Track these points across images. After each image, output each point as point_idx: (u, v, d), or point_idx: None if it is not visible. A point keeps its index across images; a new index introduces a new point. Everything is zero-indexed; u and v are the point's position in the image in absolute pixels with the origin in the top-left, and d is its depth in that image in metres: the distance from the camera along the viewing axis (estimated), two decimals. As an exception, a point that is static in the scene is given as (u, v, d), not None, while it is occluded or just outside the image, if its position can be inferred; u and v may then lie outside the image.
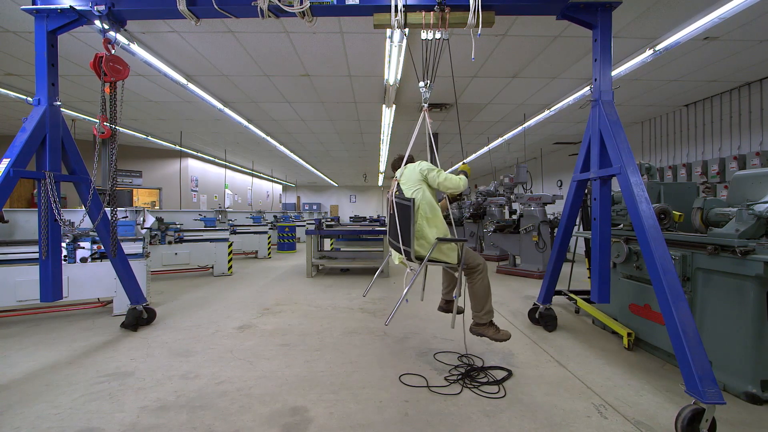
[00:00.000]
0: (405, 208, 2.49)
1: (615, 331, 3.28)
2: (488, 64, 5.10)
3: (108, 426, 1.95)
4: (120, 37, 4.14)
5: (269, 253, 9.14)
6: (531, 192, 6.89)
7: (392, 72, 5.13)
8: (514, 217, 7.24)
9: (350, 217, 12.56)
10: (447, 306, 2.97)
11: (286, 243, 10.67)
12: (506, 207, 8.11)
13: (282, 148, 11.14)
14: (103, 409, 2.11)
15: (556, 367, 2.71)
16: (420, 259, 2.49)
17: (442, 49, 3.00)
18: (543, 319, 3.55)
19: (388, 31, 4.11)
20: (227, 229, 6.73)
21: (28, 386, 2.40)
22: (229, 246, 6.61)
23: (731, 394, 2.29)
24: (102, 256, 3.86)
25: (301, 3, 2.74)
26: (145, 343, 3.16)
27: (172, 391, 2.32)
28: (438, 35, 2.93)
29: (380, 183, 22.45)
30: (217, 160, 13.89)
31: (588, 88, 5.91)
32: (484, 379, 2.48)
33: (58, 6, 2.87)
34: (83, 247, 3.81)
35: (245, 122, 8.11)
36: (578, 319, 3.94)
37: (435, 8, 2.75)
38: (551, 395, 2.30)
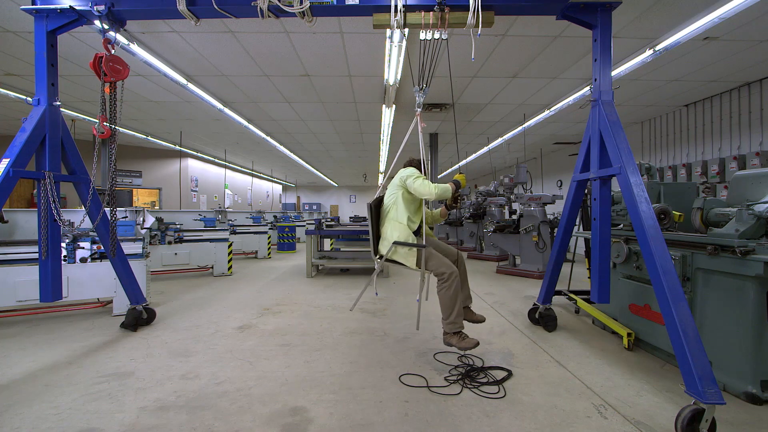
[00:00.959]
0: (373, 209, 2.81)
1: (615, 331, 3.28)
2: (488, 64, 5.11)
3: (108, 426, 1.95)
4: (120, 37, 4.14)
5: (269, 253, 9.14)
6: (531, 192, 6.89)
7: (392, 72, 5.14)
8: (514, 217, 7.24)
9: (350, 217, 12.57)
10: (465, 315, 2.78)
11: (286, 243, 10.67)
12: (506, 207, 8.11)
13: (282, 148, 11.14)
14: (103, 410, 2.11)
15: (556, 368, 2.71)
16: (381, 256, 2.74)
17: (440, 50, 3.00)
18: (543, 319, 3.54)
19: (388, 31, 4.12)
20: (227, 229, 6.73)
21: (28, 386, 2.39)
22: (229, 246, 6.61)
23: (731, 394, 2.29)
24: (102, 256, 3.85)
25: (301, 3, 2.74)
26: (145, 344, 3.16)
27: (172, 392, 2.31)
28: (437, 35, 2.93)
29: (380, 183, 22.43)
30: (216, 160, 13.89)
31: (588, 88, 5.91)
32: (484, 380, 2.48)
33: (58, 6, 2.87)
34: (83, 247, 3.80)
35: (245, 122, 8.12)
36: (578, 319, 3.94)
37: (435, 8, 2.75)
38: (551, 395, 2.30)
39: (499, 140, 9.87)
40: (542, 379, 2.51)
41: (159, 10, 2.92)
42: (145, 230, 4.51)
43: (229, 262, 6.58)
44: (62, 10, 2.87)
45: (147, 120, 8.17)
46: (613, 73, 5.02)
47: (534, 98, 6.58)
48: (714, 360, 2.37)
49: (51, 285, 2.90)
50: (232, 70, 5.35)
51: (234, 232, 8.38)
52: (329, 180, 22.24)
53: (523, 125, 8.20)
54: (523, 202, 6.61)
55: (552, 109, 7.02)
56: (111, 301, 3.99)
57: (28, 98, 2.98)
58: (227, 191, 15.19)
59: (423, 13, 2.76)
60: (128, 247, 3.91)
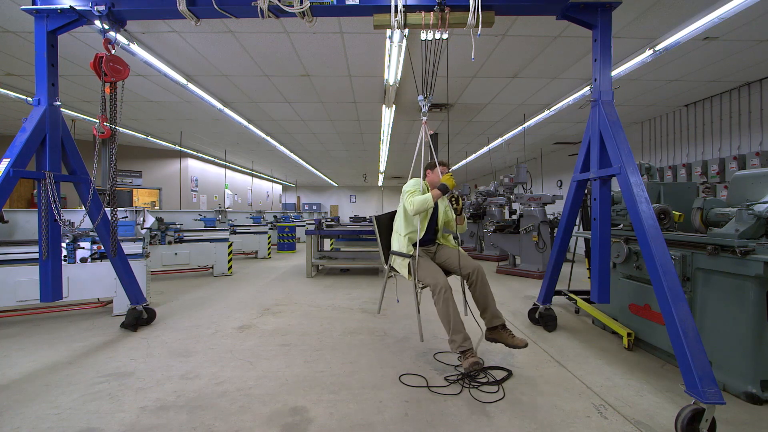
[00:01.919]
0: (382, 222, 2.96)
1: (615, 331, 3.28)
2: (488, 64, 5.11)
3: (108, 426, 1.95)
4: (120, 38, 4.14)
5: (269, 253, 9.14)
6: (531, 192, 6.89)
7: (392, 72, 5.14)
8: (514, 217, 7.24)
9: (350, 217, 12.55)
10: (491, 334, 2.61)
11: (286, 243, 10.66)
12: (506, 207, 8.12)
13: (282, 148, 11.14)
14: (103, 409, 2.11)
15: (556, 368, 2.71)
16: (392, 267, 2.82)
17: (440, 54, 3.00)
18: (543, 319, 3.55)
19: (388, 32, 4.12)
20: (227, 230, 6.73)
21: (28, 386, 2.40)
22: (229, 246, 6.61)
23: (731, 394, 2.29)
24: (102, 256, 3.85)
25: (301, 3, 2.74)
26: (145, 344, 3.16)
27: (172, 391, 2.32)
28: (438, 35, 2.93)
29: (380, 183, 22.44)
30: (217, 161, 13.89)
31: (588, 88, 5.92)
32: (484, 380, 2.48)
33: (58, 6, 2.87)
34: (83, 247, 3.81)
35: (245, 122, 8.12)
36: (578, 319, 3.94)
37: (435, 8, 2.75)
38: (551, 395, 2.30)
39: (499, 140, 9.86)
40: (542, 379, 2.51)
41: (159, 10, 2.92)
42: (145, 230, 4.51)
43: (229, 262, 6.58)
44: (62, 10, 2.87)
45: (147, 120, 8.17)
46: (613, 73, 5.02)
47: (534, 98, 6.58)
48: (714, 360, 2.37)
49: (51, 285, 2.90)
50: (232, 70, 5.35)
51: (234, 232, 8.38)
52: (329, 180, 22.24)
53: (523, 125, 8.20)
54: (523, 202, 6.61)
55: (552, 109, 7.01)
56: (111, 301, 3.99)
57: (29, 98, 2.98)
58: (227, 191, 15.19)
59: (423, 13, 2.76)
60: (128, 247, 3.91)
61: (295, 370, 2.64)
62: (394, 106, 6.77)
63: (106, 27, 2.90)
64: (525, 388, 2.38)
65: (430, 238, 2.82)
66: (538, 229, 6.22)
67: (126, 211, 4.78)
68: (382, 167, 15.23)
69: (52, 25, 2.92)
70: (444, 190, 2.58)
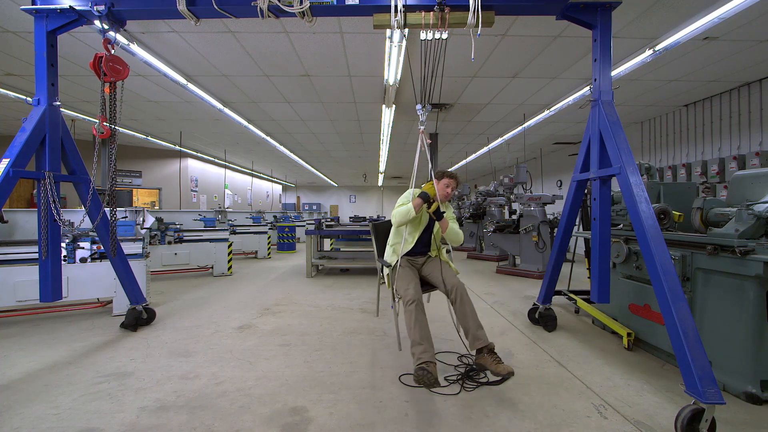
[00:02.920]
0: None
1: (615, 331, 3.28)
2: (488, 64, 5.11)
3: (108, 426, 1.95)
4: (120, 37, 4.14)
5: (269, 254, 9.14)
6: (531, 192, 6.89)
7: (392, 72, 5.14)
8: (514, 217, 7.24)
9: (350, 217, 12.55)
10: (476, 359, 2.33)
11: (285, 243, 10.66)
12: (506, 207, 8.12)
13: (282, 148, 11.14)
14: (103, 410, 2.11)
15: (556, 367, 2.71)
16: None
17: (440, 56, 2.99)
18: (543, 319, 3.55)
19: (388, 32, 4.12)
20: (227, 230, 6.73)
21: (28, 386, 2.39)
22: (229, 246, 6.61)
23: (731, 394, 2.29)
24: (102, 256, 3.85)
25: (301, 3, 2.74)
26: (145, 344, 3.16)
27: (172, 392, 2.31)
28: (438, 35, 2.93)
29: (380, 183, 22.44)
30: (216, 161, 13.89)
31: (588, 88, 5.92)
32: (484, 380, 2.48)
33: (58, 6, 2.87)
34: (83, 247, 3.81)
35: (245, 122, 8.12)
36: (578, 319, 3.94)
37: (435, 8, 2.75)
38: (551, 395, 2.30)
39: (499, 140, 9.87)
40: (542, 379, 2.51)
41: (159, 10, 2.92)
42: (145, 230, 4.50)
43: (229, 262, 6.58)
44: (62, 10, 2.87)
45: (147, 120, 8.17)
46: (613, 73, 5.02)
47: (534, 98, 6.58)
48: (714, 360, 2.37)
49: (51, 285, 2.90)
50: (232, 70, 5.35)
51: (234, 232, 8.38)
52: (329, 180, 22.24)
53: (523, 125, 8.20)
54: (522, 202, 6.61)
55: (552, 109, 7.02)
56: (111, 301, 3.99)
57: (28, 98, 2.98)
58: (227, 191, 15.19)
59: (423, 13, 2.76)
60: (128, 247, 3.91)
61: (295, 370, 2.64)
62: (393, 106, 6.77)
63: (106, 27, 2.90)
64: (525, 388, 2.38)
65: (420, 250, 2.75)
66: (538, 229, 6.22)
67: (126, 211, 4.78)
68: (382, 167, 15.23)
69: (51, 25, 2.91)
70: (424, 198, 2.49)
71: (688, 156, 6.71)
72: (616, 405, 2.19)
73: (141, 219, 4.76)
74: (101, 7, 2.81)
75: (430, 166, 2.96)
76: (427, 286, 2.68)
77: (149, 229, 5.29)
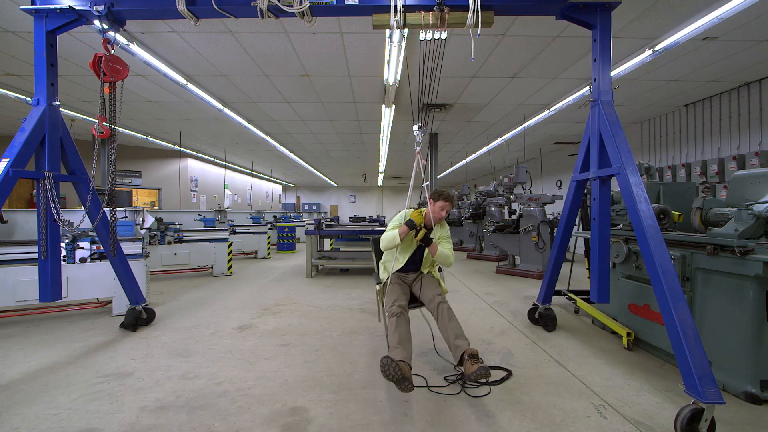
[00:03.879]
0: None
1: (614, 331, 3.28)
2: (488, 64, 5.11)
3: (107, 426, 1.95)
4: (119, 37, 4.13)
5: (269, 254, 9.13)
6: (530, 192, 6.89)
7: (391, 72, 5.13)
8: (514, 217, 7.24)
9: (350, 217, 12.55)
10: (465, 370, 2.18)
11: (285, 243, 10.66)
12: (506, 207, 8.11)
13: (281, 148, 11.14)
14: (103, 410, 2.11)
15: (556, 367, 2.71)
16: None
17: (439, 56, 2.99)
18: (542, 319, 3.55)
19: (388, 32, 4.11)
20: (227, 230, 6.73)
21: (28, 386, 2.39)
22: (229, 246, 6.61)
23: (730, 394, 2.29)
24: (101, 257, 3.85)
25: (301, 3, 2.74)
26: (145, 344, 3.15)
27: (172, 392, 2.31)
28: (438, 35, 2.93)
29: (380, 183, 22.44)
30: (216, 161, 13.89)
31: (587, 88, 5.92)
32: (484, 380, 2.48)
33: (57, 6, 2.87)
34: (82, 248, 3.80)
35: (245, 122, 8.11)
36: (578, 319, 3.94)
37: (434, 8, 2.75)
38: (551, 395, 2.30)
39: (499, 140, 9.87)
40: (542, 379, 2.51)
41: (158, 10, 2.92)
42: (144, 230, 4.50)
43: (228, 262, 6.58)
44: (62, 10, 2.87)
45: (146, 120, 8.17)
46: (613, 73, 5.02)
47: (533, 98, 6.58)
48: (713, 360, 2.37)
49: (50, 285, 2.90)
50: (232, 70, 5.35)
51: (234, 232, 8.38)
52: (329, 180, 22.24)
53: (523, 125, 8.20)
54: (522, 202, 6.61)
55: (551, 109, 7.02)
56: (110, 301, 3.99)
57: (28, 98, 2.98)
58: (227, 191, 15.18)
59: (423, 13, 2.76)
60: (128, 247, 3.91)
61: (295, 370, 2.64)
62: (393, 106, 6.77)
63: (106, 27, 2.90)
64: (525, 388, 2.38)
65: (412, 268, 2.76)
66: (538, 229, 6.23)
67: (125, 211, 4.78)
68: (381, 167, 15.23)
69: (51, 25, 2.91)
70: (410, 226, 2.51)
71: (687, 156, 6.71)
72: (616, 405, 2.19)
73: (141, 219, 4.76)
74: (101, 7, 2.81)
75: (425, 188, 2.95)
76: (417, 302, 2.69)
77: (149, 229, 5.29)
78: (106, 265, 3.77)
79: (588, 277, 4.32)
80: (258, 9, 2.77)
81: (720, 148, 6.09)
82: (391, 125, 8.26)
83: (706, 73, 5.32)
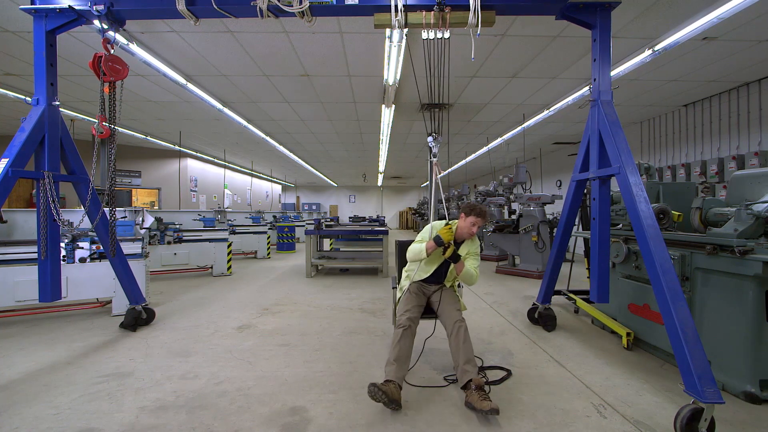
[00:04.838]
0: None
1: (614, 331, 3.28)
2: (488, 64, 5.11)
3: (107, 426, 1.95)
4: (119, 37, 4.13)
5: (268, 253, 9.13)
6: (530, 192, 6.89)
7: (391, 72, 5.13)
8: (514, 217, 7.25)
9: (349, 217, 12.55)
10: (466, 397, 2.15)
11: (285, 243, 10.66)
12: (505, 207, 8.12)
13: (281, 148, 11.13)
14: (102, 410, 2.11)
15: (556, 367, 2.71)
16: None
17: (439, 56, 2.98)
18: (542, 318, 3.55)
19: (388, 31, 4.11)
20: (226, 230, 6.73)
21: (27, 386, 2.39)
22: (229, 246, 6.61)
23: (730, 394, 2.29)
24: (101, 256, 3.85)
25: (301, 3, 2.74)
26: (144, 344, 3.15)
27: (171, 392, 2.31)
28: (439, 35, 2.93)
29: (379, 183, 22.44)
30: (216, 160, 13.88)
31: (587, 88, 5.92)
32: (484, 379, 2.48)
33: (57, 6, 2.87)
34: (82, 247, 3.80)
35: (245, 122, 8.11)
36: (577, 318, 3.95)
37: (435, 8, 2.75)
38: (551, 395, 2.30)
39: (499, 140, 9.87)
40: (542, 379, 2.52)
41: (158, 10, 2.92)
42: (144, 230, 4.50)
43: (228, 262, 6.58)
44: (61, 9, 2.87)
45: (146, 120, 8.16)
46: (613, 73, 5.02)
47: (533, 98, 6.58)
48: (713, 359, 2.37)
49: (50, 285, 2.89)
50: (232, 70, 5.34)
51: (233, 232, 8.37)
52: (329, 180, 22.23)
53: (523, 125, 8.20)
54: (522, 202, 6.62)
55: (551, 109, 7.02)
56: (110, 301, 3.99)
57: (28, 98, 2.97)
58: (227, 191, 15.17)
59: (423, 12, 2.76)
60: (127, 247, 3.90)
61: (295, 369, 2.64)
62: (393, 106, 6.77)
63: (105, 26, 2.90)
64: (525, 388, 2.38)
65: (435, 280, 2.71)
66: (538, 228, 6.23)
67: (125, 211, 4.78)
68: (381, 167, 15.23)
69: (50, 25, 2.91)
70: (438, 242, 2.48)
71: (687, 156, 6.71)
72: (616, 404, 2.19)
73: (140, 219, 4.76)
74: (100, 7, 2.81)
75: (443, 203, 2.95)
76: (432, 313, 2.65)
77: (149, 229, 5.29)
78: (105, 265, 3.77)
79: (588, 277, 4.32)
80: (258, 9, 2.77)
81: (719, 148, 6.09)
82: (390, 125, 8.26)
83: (705, 73, 5.32)
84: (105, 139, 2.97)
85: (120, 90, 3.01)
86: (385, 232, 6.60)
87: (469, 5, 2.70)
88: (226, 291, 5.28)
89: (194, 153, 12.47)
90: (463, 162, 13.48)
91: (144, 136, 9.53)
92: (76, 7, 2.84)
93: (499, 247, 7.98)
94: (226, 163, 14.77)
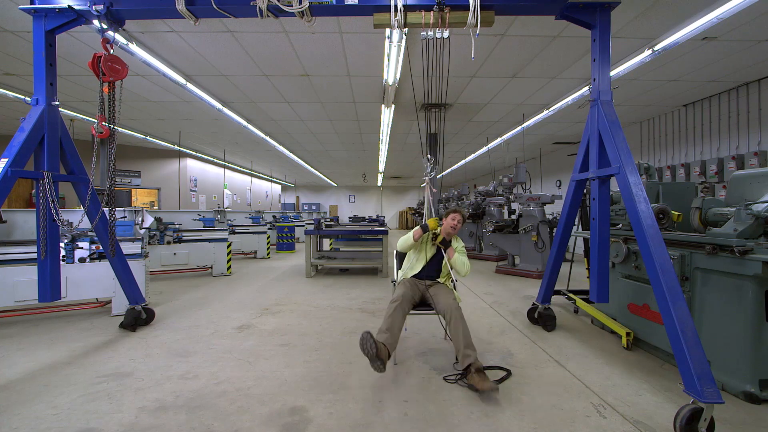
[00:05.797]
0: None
1: (614, 331, 3.29)
2: (487, 64, 5.11)
3: (107, 426, 1.95)
4: (118, 37, 4.13)
5: (268, 253, 9.13)
6: (530, 192, 6.89)
7: (391, 72, 5.13)
8: (513, 217, 7.25)
9: (349, 217, 12.56)
10: (467, 379, 2.36)
11: (285, 243, 10.66)
12: (505, 207, 8.12)
13: (281, 148, 11.13)
14: (102, 410, 2.11)
15: (556, 367, 2.71)
16: None
17: (438, 61, 3.00)
18: (542, 318, 3.55)
19: (387, 31, 4.11)
20: (226, 230, 6.72)
21: (27, 386, 2.39)
22: (228, 246, 6.60)
23: (730, 394, 2.29)
24: (100, 256, 3.85)
25: (300, 3, 2.74)
26: (144, 344, 3.15)
27: (171, 392, 2.31)
28: (439, 34, 2.96)
29: (379, 183, 22.44)
30: (216, 160, 13.88)
31: (587, 88, 5.92)
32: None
33: (57, 6, 2.86)
34: (82, 247, 3.80)
35: (244, 122, 8.11)
36: (577, 318, 3.95)
37: (434, 8, 2.75)
38: (550, 395, 2.30)
39: (499, 140, 9.87)
40: (541, 379, 2.52)
41: (158, 10, 2.92)
42: (144, 230, 4.50)
43: (228, 262, 6.57)
44: (61, 9, 2.86)
45: (146, 120, 8.16)
46: (612, 73, 5.02)
47: (533, 98, 6.59)
48: (713, 359, 2.37)
49: (50, 285, 2.89)
50: (231, 69, 5.34)
51: (233, 232, 8.37)
52: (328, 180, 22.23)
53: (523, 125, 8.21)
54: (522, 202, 6.61)
55: (551, 109, 7.02)
56: (110, 301, 3.98)
57: (27, 98, 2.97)
58: (226, 191, 15.17)
59: (423, 12, 2.76)
60: (127, 247, 3.90)
61: (295, 369, 2.64)
62: (393, 105, 6.77)
63: (105, 26, 2.90)
64: (524, 388, 2.38)
65: (428, 275, 2.88)
66: (537, 228, 6.23)
67: (125, 211, 4.77)
68: (381, 167, 15.23)
69: (50, 25, 2.91)
70: (424, 228, 2.78)
71: (686, 156, 6.72)
72: (615, 404, 2.19)
73: (140, 219, 4.76)
74: (100, 7, 2.81)
75: (428, 183, 3.23)
76: (428, 306, 2.76)
77: (148, 229, 5.29)
78: (105, 265, 3.77)
79: (587, 277, 4.32)
80: (257, 9, 2.77)
81: (719, 147, 6.10)
82: (390, 125, 8.26)
83: (705, 73, 5.32)
84: (105, 139, 2.97)
85: (119, 90, 3.01)
86: (385, 232, 6.60)
87: (468, 5, 2.70)
88: (226, 291, 5.28)
89: (194, 153, 12.47)
90: (462, 162, 13.48)
91: (144, 136, 9.53)
92: (76, 7, 2.84)
93: (498, 247, 7.98)
94: (226, 163, 14.77)
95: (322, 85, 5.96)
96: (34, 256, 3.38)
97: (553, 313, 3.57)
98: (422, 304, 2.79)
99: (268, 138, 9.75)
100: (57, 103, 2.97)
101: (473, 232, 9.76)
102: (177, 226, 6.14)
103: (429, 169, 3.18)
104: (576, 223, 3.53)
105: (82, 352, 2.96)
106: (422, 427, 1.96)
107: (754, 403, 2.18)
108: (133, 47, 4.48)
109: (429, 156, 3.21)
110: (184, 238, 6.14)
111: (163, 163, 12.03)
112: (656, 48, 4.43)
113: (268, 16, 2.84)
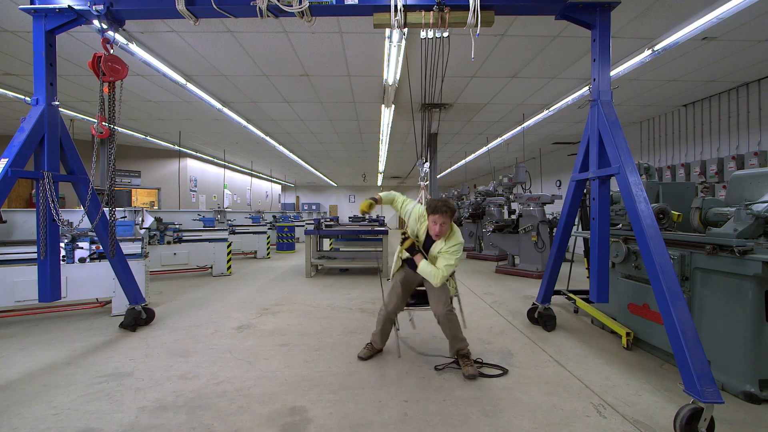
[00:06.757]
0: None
1: (614, 331, 3.29)
2: (487, 63, 5.11)
3: (107, 426, 1.95)
4: (118, 37, 4.13)
5: (268, 253, 9.13)
6: (530, 192, 6.89)
7: (391, 72, 5.13)
8: (513, 217, 7.25)
9: (349, 217, 12.55)
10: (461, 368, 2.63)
11: (285, 243, 10.66)
12: (505, 207, 8.12)
13: (281, 148, 11.13)
14: (102, 410, 2.11)
15: (555, 367, 2.71)
16: None
17: (438, 61, 3.01)
18: (542, 318, 3.55)
19: (387, 31, 4.11)
20: (226, 229, 6.72)
21: (27, 386, 2.39)
22: (228, 246, 6.60)
23: (730, 394, 2.29)
24: (101, 256, 3.85)
25: (300, 3, 2.74)
26: (144, 344, 3.15)
27: (171, 392, 2.31)
28: (439, 34, 2.96)
29: (379, 183, 22.43)
30: (216, 160, 13.88)
31: (587, 88, 5.92)
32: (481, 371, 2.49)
33: (57, 5, 2.86)
34: (82, 247, 3.80)
35: (244, 122, 8.11)
36: (577, 318, 3.95)
37: (434, 8, 2.75)
38: (550, 395, 2.30)
39: (498, 140, 9.87)
40: (541, 379, 2.52)
41: (158, 10, 2.92)
42: (144, 230, 4.51)
43: (228, 262, 6.58)
44: (61, 9, 2.86)
45: (146, 120, 8.16)
46: (612, 73, 5.02)
47: (533, 98, 6.59)
48: (712, 359, 2.37)
49: (50, 285, 2.89)
50: (231, 69, 5.34)
51: (233, 232, 8.36)
52: (328, 180, 22.23)
53: (522, 125, 8.21)
54: (522, 202, 6.61)
55: (551, 109, 7.02)
56: (110, 301, 3.98)
57: (27, 98, 2.97)
58: (226, 191, 15.17)
59: (423, 12, 2.76)
60: (127, 247, 3.90)
61: (295, 369, 2.64)
62: (393, 105, 6.77)
63: (105, 26, 2.89)
64: (524, 388, 2.39)
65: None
66: (537, 228, 6.23)
67: (125, 211, 4.77)
68: (381, 167, 15.23)
69: (50, 25, 2.91)
70: (404, 237, 2.80)
71: (686, 156, 6.72)
72: (615, 404, 2.19)
73: (140, 219, 4.76)
74: (100, 7, 2.81)
75: (424, 191, 3.24)
76: (425, 299, 2.84)
77: (148, 229, 5.29)
78: (105, 265, 3.77)
79: (587, 277, 4.32)
80: (257, 9, 2.77)
81: (719, 148, 6.10)
82: (390, 125, 8.26)
83: (705, 73, 5.32)
84: (104, 139, 2.97)
85: (119, 90, 3.01)
86: (385, 232, 6.60)
87: (468, 5, 2.70)
88: (226, 291, 5.28)
89: (194, 153, 12.46)
90: (462, 162, 13.49)
91: (144, 136, 9.52)
92: (76, 7, 2.84)
93: (498, 247, 7.98)
94: (226, 163, 14.76)
95: (322, 85, 5.96)
96: (34, 256, 3.37)
97: (553, 313, 3.57)
98: (421, 295, 2.92)
99: (268, 138, 9.75)
100: (57, 103, 2.97)
101: (473, 232, 9.76)
102: (177, 226, 6.14)
103: (423, 173, 3.16)
104: (576, 223, 3.53)
105: (82, 352, 2.96)
106: (422, 427, 1.96)
107: (754, 403, 2.18)
108: (133, 47, 4.48)
109: (423, 159, 3.19)
110: (184, 238, 6.15)
111: (163, 163, 12.03)
112: (656, 48, 4.43)
113: (268, 16, 2.84)
